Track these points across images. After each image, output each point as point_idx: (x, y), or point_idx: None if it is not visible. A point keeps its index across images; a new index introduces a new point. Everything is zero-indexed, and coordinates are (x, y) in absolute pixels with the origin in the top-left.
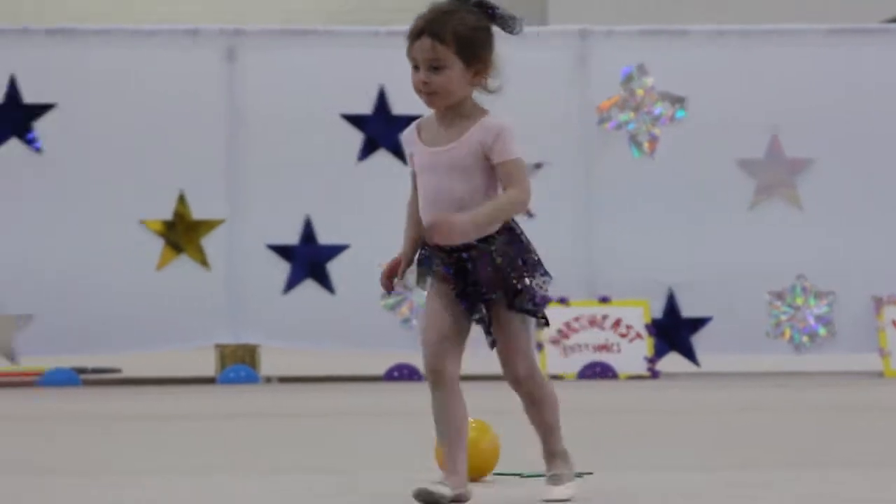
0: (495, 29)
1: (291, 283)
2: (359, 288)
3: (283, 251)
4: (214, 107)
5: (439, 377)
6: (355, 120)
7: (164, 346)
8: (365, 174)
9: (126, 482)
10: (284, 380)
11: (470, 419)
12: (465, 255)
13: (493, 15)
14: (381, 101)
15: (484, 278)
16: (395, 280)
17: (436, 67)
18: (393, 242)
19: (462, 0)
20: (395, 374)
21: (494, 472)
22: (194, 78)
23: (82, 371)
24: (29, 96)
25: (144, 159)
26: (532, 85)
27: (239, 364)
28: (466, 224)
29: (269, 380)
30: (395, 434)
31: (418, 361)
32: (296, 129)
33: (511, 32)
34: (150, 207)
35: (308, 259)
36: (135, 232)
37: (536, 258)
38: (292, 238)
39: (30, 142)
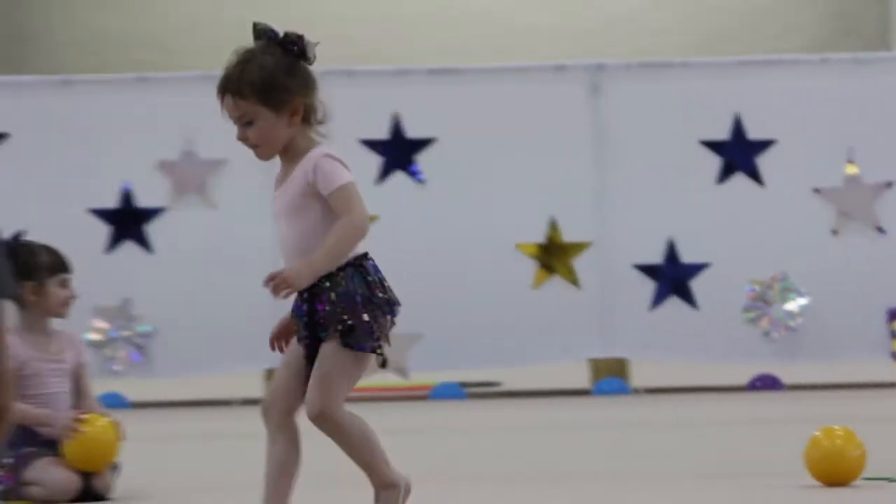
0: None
1: (657, 300)
2: (721, 303)
3: (648, 270)
4: (581, 138)
5: (267, 419)
6: (713, 145)
7: (539, 360)
8: (723, 196)
9: (510, 489)
10: (652, 390)
11: (835, 427)
12: (305, 294)
13: (299, 50)
14: (737, 128)
15: (319, 315)
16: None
17: (247, 122)
18: (754, 260)
19: (266, 39)
20: (758, 384)
21: (863, 476)
22: (561, 110)
23: (466, 385)
24: (411, 132)
25: (517, 187)
26: None
27: (611, 376)
28: (303, 272)
29: (638, 391)
30: (762, 441)
31: (780, 371)
32: (657, 155)
33: (310, 63)
34: (524, 232)
35: (672, 277)
36: (510, 254)
37: (382, 296)
38: (657, 258)
39: (413, 174)
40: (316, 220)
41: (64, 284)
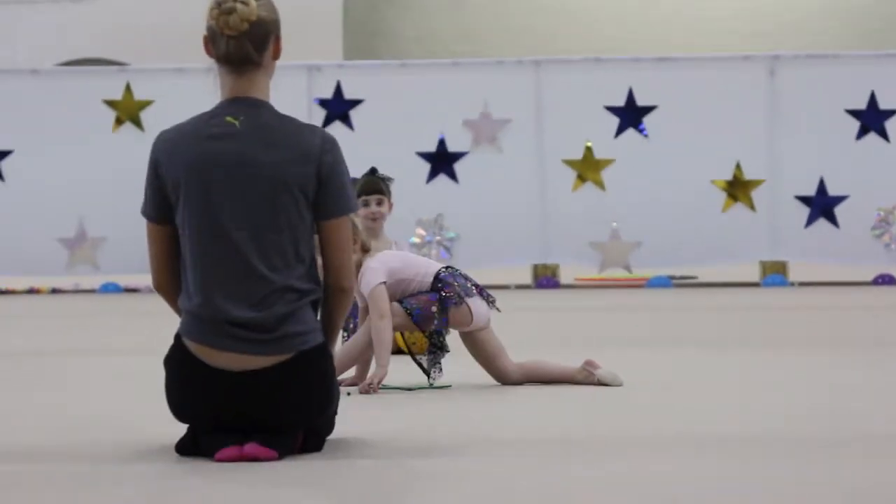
0: None
1: (810, 221)
2: (856, 223)
3: (804, 199)
4: (760, 107)
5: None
6: (854, 113)
7: (725, 260)
8: (860, 148)
9: (703, 350)
10: (804, 284)
11: None
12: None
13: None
14: (872, 101)
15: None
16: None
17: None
18: (881, 193)
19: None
20: (880, 280)
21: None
22: (747, 87)
23: (673, 278)
24: (640, 101)
25: (713, 140)
26: None
27: (775, 273)
28: (378, 373)
29: (794, 284)
30: (883, 321)
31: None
32: (814, 120)
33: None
34: (717, 171)
35: (821, 205)
36: (706, 187)
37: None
38: (811, 191)
39: (640, 130)
40: None
41: (366, 203)
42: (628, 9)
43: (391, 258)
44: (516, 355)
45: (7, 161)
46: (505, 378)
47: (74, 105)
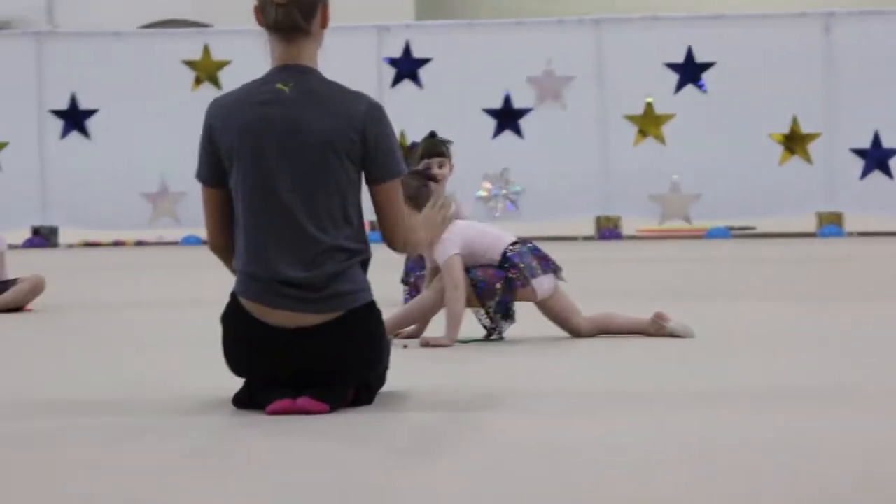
0: None
1: (865, 172)
2: None
3: (860, 152)
4: (816, 63)
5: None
6: None
7: (782, 212)
8: None
9: (759, 301)
10: (860, 234)
11: None
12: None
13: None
14: None
15: None
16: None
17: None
18: None
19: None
20: None
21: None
22: (803, 43)
23: (731, 228)
24: (699, 58)
25: (770, 94)
26: None
27: (831, 224)
28: (443, 340)
29: (850, 234)
30: None
31: None
32: (868, 74)
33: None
34: (774, 125)
35: (876, 157)
36: (764, 140)
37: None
38: (866, 143)
39: (699, 86)
40: None
41: (427, 166)
42: None
43: (465, 228)
44: (584, 306)
45: (93, 120)
46: (578, 334)
47: (155, 66)
